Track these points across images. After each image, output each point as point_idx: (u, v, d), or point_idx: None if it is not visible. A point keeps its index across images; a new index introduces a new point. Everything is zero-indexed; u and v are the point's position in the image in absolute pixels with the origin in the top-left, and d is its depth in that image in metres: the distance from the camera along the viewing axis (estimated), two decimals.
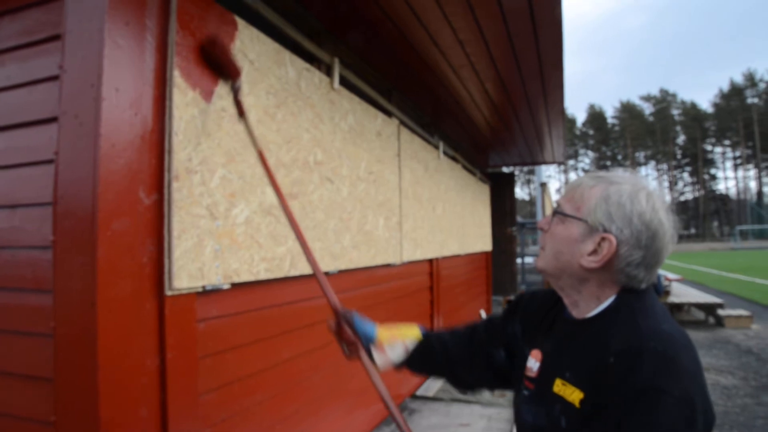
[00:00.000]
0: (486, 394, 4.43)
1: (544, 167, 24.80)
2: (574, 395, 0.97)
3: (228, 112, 2.02)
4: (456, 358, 1.36)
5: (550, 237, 1.10)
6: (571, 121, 75.35)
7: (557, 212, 1.09)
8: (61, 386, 1.55)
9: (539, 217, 19.58)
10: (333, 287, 3.00)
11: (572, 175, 78.87)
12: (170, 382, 1.73)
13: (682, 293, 10.13)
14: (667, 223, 1.01)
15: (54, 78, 1.64)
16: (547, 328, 1.18)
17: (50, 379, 1.57)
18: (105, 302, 1.52)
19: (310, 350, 2.73)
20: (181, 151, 1.78)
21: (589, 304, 1.06)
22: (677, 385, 0.87)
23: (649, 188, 1.04)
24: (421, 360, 1.39)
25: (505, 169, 10.72)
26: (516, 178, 10.40)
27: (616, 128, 76.89)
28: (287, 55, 2.49)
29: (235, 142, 2.07)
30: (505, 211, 9.64)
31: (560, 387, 1.01)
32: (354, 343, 1.37)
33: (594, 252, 1.01)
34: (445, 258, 5.70)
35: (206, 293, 1.93)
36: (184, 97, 1.80)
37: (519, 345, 1.25)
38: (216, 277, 1.94)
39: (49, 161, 1.61)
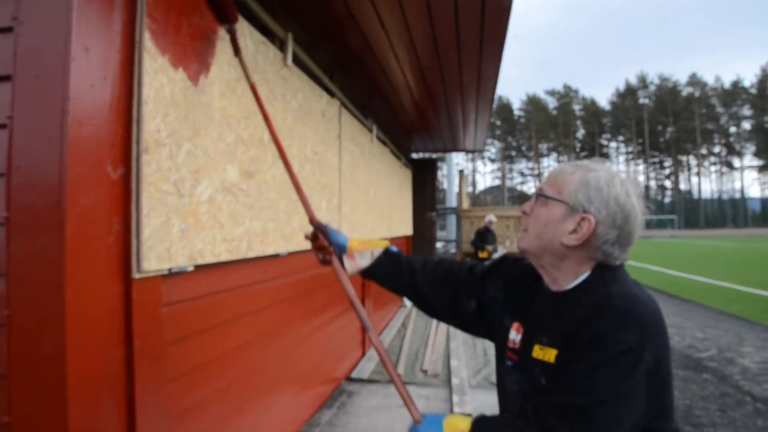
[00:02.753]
0: (419, 376, 4.53)
1: (454, 155, 25.52)
2: (549, 355, 1.09)
3: (189, 84, 1.88)
4: (425, 280, 1.43)
5: (533, 219, 1.19)
6: None
7: (540, 195, 1.17)
8: (18, 383, 1.37)
9: (452, 203, 20.25)
10: (282, 269, 2.94)
11: (479, 164, 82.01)
12: (137, 373, 1.60)
13: None
14: (638, 207, 1.13)
15: (5, 30, 1.43)
16: (528, 302, 1.25)
17: (2, 375, 1.40)
18: (73, 287, 1.37)
19: (262, 334, 2.64)
20: (151, 122, 1.63)
21: (567, 279, 1.16)
22: (629, 336, 0.98)
23: (622, 176, 1.15)
24: (386, 271, 1.47)
25: (428, 155, 10.90)
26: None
27: (522, 120, 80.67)
28: (246, 26, 2.36)
29: (200, 115, 1.94)
30: (426, 196, 9.83)
31: (538, 352, 1.12)
32: (327, 249, 1.49)
33: (574, 231, 1.12)
34: None
35: (171, 276, 1.81)
36: (153, 62, 1.65)
37: (497, 312, 1.32)
38: (182, 258, 1.81)
39: (1, 126, 1.42)
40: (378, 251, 1.49)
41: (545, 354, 1.09)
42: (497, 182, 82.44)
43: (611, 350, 0.97)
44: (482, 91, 5.34)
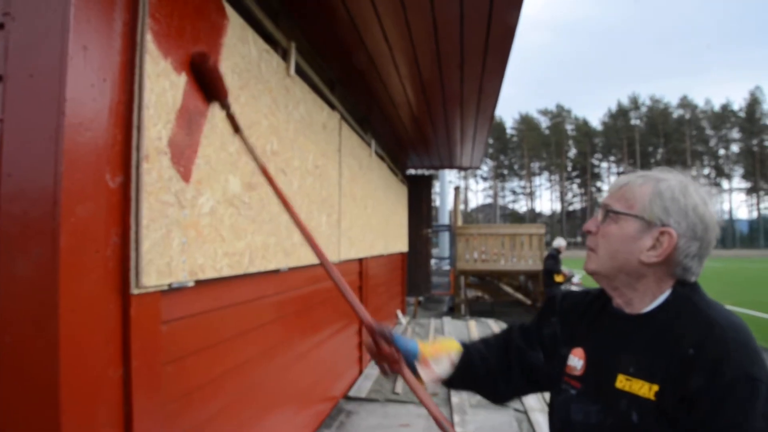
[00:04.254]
0: None
1: (447, 172, 25.55)
2: (644, 389, 0.97)
3: (191, 90, 1.79)
4: (496, 370, 1.27)
5: (602, 238, 1.09)
6: None
7: (610, 211, 1.08)
8: (6, 405, 1.26)
9: (445, 220, 20.18)
10: (283, 285, 2.84)
11: (471, 181, 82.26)
12: (135, 395, 1.48)
13: None
14: (715, 215, 1.04)
15: None
16: (588, 326, 1.16)
17: None
18: (68, 303, 1.26)
19: (261, 352, 2.53)
20: (152, 128, 1.54)
21: (644, 300, 1.06)
22: (757, 369, 0.90)
23: (694, 182, 1.06)
24: (463, 374, 1.29)
25: (421, 172, 10.86)
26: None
27: (515, 139, 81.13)
28: (250, 33, 2.29)
29: (203, 123, 1.85)
30: (421, 213, 9.75)
31: (624, 382, 1.01)
32: (396, 361, 1.23)
33: (653, 247, 1.02)
34: (372, 257, 5.63)
35: (171, 291, 1.70)
36: (155, 66, 1.56)
37: (557, 345, 1.21)
38: (182, 273, 1.71)
39: None
40: (455, 354, 1.29)
41: (636, 387, 0.98)
42: (489, 200, 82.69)
43: (750, 394, 0.88)
44: (482, 107, 5.30)
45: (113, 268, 1.45)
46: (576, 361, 1.13)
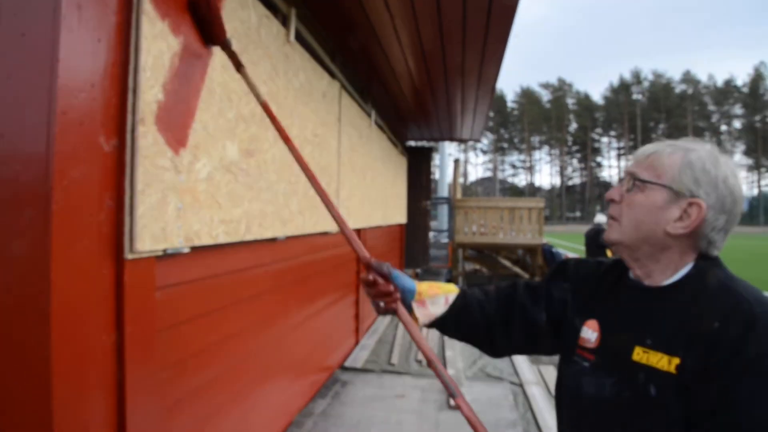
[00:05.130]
0: (414, 366, 4.46)
1: (447, 145, 25.32)
2: (663, 362, 0.95)
3: (190, 53, 1.75)
4: (495, 321, 1.26)
5: (627, 207, 1.05)
6: None
7: (637, 180, 1.04)
8: None
9: (444, 193, 20.15)
10: (280, 254, 2.83)
11: (471, 155, 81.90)
12: (128, 362, 1.49)
13: None
14: (742, 188, 1.02)
15: None
16: (603, 298, 1.14)
17: None
18: (60, 267, 1.25)
19: (257, 321, 2.54)
20: (149, 91, 1.51)
21: (665, 272, 1.04)
22: None
23: (723, 154, 1.03)
24: (458, 319, 1.27)
25: (421, 144, 10.78)
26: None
27: (515, 112, 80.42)
28: None
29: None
30: (421, 185, 9.70)
31: (641, 355, 0.99)
32: (391, 295, 1.20)
33: (680, 218, 1.00)
34: (371, 228, 5.63)
35: (166, 257, 1.69)
36: (152, 27, 1.52)
37: (567, 314, 1.20)
38: (178, 239, 1.70)
39: None
40: (452, 296, 1.27)
41: (657, 360, 0.96)
42: (489, 174, 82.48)
43: None
44: (484, 77, 5.22)
45: (107, 232, 1.43)
46: (590, 333, 1.11)
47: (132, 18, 1.47)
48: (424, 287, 1.26)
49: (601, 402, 1.05)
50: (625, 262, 1.11)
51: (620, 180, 1.14)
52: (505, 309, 1.26)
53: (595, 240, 9.20)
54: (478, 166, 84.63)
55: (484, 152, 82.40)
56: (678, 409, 0.93)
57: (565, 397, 1.17)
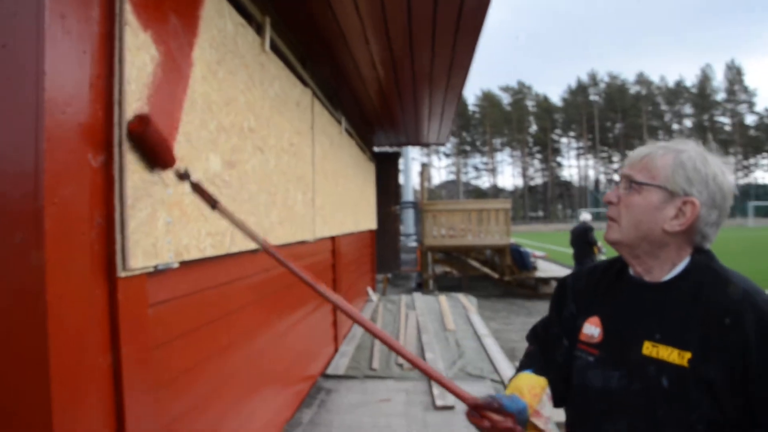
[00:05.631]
0: (396, 369, 4.45)
1: (410, 149, 25.53)
2: (673, 355, 1.00)
3: (170, 64, 1.72)
4: (558, 379, 1.23)
5: (625, 208, 1.10)
6: None
7: (633, 182, 1.09)
8: None
9: (408, 197, 20.25)
10: (261, 265, 2.79)
11: (434, 158, 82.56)
12: (126, 383, 1.44)
13: (546, 269, 11.16)
14: (732, 182, 1.08)
15: None
16: (603, 295, 1.18)
17: None
18: (55, 290, 1.21)
19: (243, 333, 2.50)
20: (134, 103, 1.47)
21: (664, 268, 1.09)
22: None
23: (710, 152, 1.09)
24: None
25: (386, 149, 10.82)
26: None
27: (477, 115, 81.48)
28: (226, 6, 2.20)
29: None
30: (389, 190, 9.75)
31: (651, 349, 1.03)
32: (512, 428, 1.09)
33: (676, 216, 1.05)
34: (344, 235, 5.61)
35: (156, 273, 1.65)
36: (135, 38, 1.49)
37: (574, 322, 1.23)
38: (168, 254, 1.66)
39: None
40: (548, 389, 1.21)
41: (668, 354, 1.00)
42: (452, 177, 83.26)
43: None
44: (452, 83, 5.29)
45: (98, 251, 1.39)
46: (592, 329, 1.15)
47: (115, 29, 1.43)
48: (528, 397, 1.16)
49: (608, 394, 1.08)
50: (626, 260, 1.16)
51: (615, 183, 1.18)
52: (556, 364, 1.25)
53: (583, 236, 9.81)
54: (441, 170, 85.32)
55: (447, 155, 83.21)
56: (691, 399, 0.98)
57: (575, 390, 1.19)
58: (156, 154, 1.53)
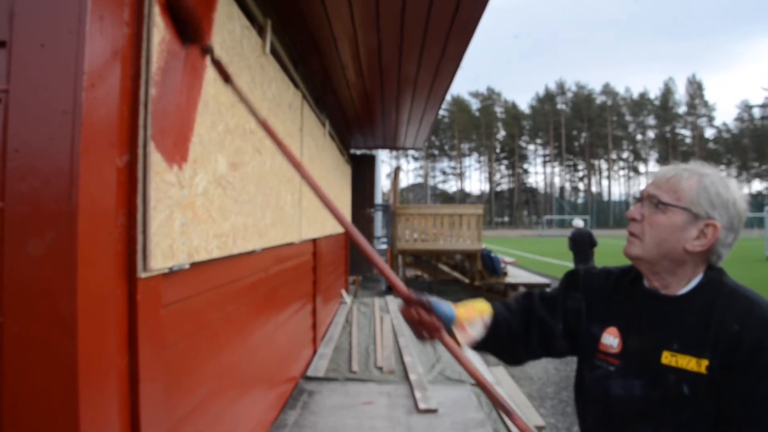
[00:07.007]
0: (375, 372, 4.49)
1: (379, 152, 25.61)
2: (692, 364, 1.07)
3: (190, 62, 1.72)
4: (518, 335, 1.35)
5: (649, 226, 1.17)
6: None
7: (660, 202, 1.15)
8: (10, 405, 1.19)
9: (378, 199, 20.29)
10: (255, 266, 2.80)
11: (402, 161, 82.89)
12: (142, 385, 1.44)
13: (516, 275, 11.37)
14: (746, 208, 1.16)
15: None
16: (619, 305, 1.25)
17: None
18: (85, 290, 1.20)
19: (238, 334, 2.50)
20: (158, 104, 1.48)
21: (680, 283, 1.17)
22: None
23: (729, 177, 1.17)
24: (490, 337, 1.33)
25: (363, 152, 10.85)
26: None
27: (446, 120, 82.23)
28: (235, 9, 2.21)
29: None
30: (365, 192, 9.78)
31: (670, 358, 1.10)
32: (437, 328, 1.25)
33: (698, 237, 1.12)
34: (324, 237, 5.62)
35: (170, 274, 1.65)
36: (161, 39, 1.49)
37: (582, 321, 1.29)
38: (182, 255, 1.66)
39: None
40: (488, 317, 1.33)
41: (686, 362, 1.08)
42: (420, 180, 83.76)
43: None
44: (435, 90, 5.36)
45: (120, 251, 1.39)
46: (611, 339, 1.22)
47: (143, 30, 1.43)
48: (461, 312, 1.31)
49: (630, 402, 1.15)
50: (644, 274, 1.23)
51: (637, 199, 1.24)
52: (526, 323, 1.35)
53: (584, 240, 10.73)
54: (409, 173, 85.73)
55: (416, 159, 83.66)
56: (711, 405, 1.05)
57: (590, 399, 1.26)
58: (189, 24, 1.61)
